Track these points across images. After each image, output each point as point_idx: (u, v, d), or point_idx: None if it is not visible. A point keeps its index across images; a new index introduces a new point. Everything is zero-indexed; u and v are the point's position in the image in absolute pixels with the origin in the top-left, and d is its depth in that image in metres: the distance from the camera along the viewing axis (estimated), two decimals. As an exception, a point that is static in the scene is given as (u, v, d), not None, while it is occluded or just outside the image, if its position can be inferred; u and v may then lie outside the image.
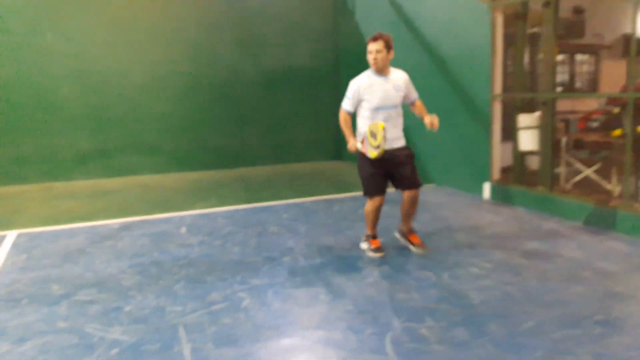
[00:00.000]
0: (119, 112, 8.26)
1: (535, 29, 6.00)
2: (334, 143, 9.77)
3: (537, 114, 5.57)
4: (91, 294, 3.49)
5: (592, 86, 9.88)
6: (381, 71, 3.97)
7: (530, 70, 6.29)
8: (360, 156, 4.02)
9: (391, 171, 4.01)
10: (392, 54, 3.98)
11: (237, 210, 5.90)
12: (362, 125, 4.03)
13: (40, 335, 2.90)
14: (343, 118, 4.05)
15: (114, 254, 4.35)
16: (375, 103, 3.93)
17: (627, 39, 7.43)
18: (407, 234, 4.30)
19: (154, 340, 2.82)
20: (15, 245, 4.67)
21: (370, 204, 4.06)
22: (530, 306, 3.17)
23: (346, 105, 4.04)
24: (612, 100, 5.86)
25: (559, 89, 7.63)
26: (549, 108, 5.37)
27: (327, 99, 9.64)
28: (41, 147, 7.87)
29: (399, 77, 4.05)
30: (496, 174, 6.16)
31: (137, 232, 5.03)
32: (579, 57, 9.81)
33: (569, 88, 9.41)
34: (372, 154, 3.80)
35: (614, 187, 5.20)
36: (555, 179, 5.56)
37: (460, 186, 6.67)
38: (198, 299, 3.35)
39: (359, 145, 3.95)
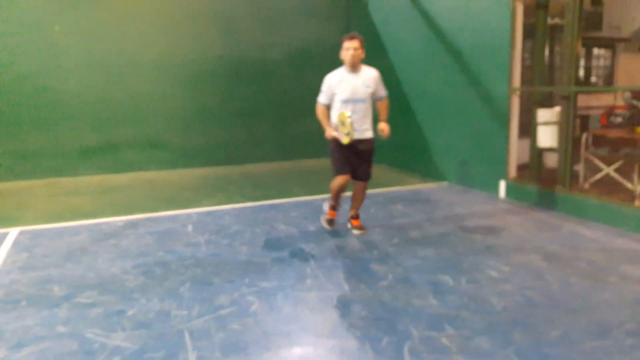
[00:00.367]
0: (125, 107, 8.12)
1: (555, 20, 5.78)
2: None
3: (557, 109, 5.36)
4: (93, 296, 3.35)
5: (608, 80, 9.62)
6: (353, 68, 4.35)
7: (548, 63, 6.08)
8: (333, 142, 4.43)
9: (354, 160, 4.48)
10: (364, 53, 4.35)
11: (244, 208, 5.75)
12: (334, 115, 4.45)
13: (39, 340, 2.75)
14: (319, 110, 4.50)
15: (118, 253, 4.21)
16: (344, 96, 4.34)
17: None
18: (352, 218, 4.81)
19: (158, 347, 2.67)
20: (16, 243, 4.53)
21: (337, 181, 4.47)
22: (555, 313, 3.00)
23: (321, 98, 4.49)
24: (638, 95, 5.64)
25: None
26: (570, 103, 5.16)
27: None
28: (46, 142, 7.74)
29: (369, 74, 4.41)
30: (512, 171, 5.96)
31: (142, 230, 4.88)
32: (595, 50, 9.57)
33: (584, 82, 9.16)
34: (345, 140, 4.24)
35: (635, 186, 4.99)
36: (574, 177, 5.35)
37: (475, 184, 6.46)
38: (205, 302, 3.20)
39: (335, 133, 4.35)
